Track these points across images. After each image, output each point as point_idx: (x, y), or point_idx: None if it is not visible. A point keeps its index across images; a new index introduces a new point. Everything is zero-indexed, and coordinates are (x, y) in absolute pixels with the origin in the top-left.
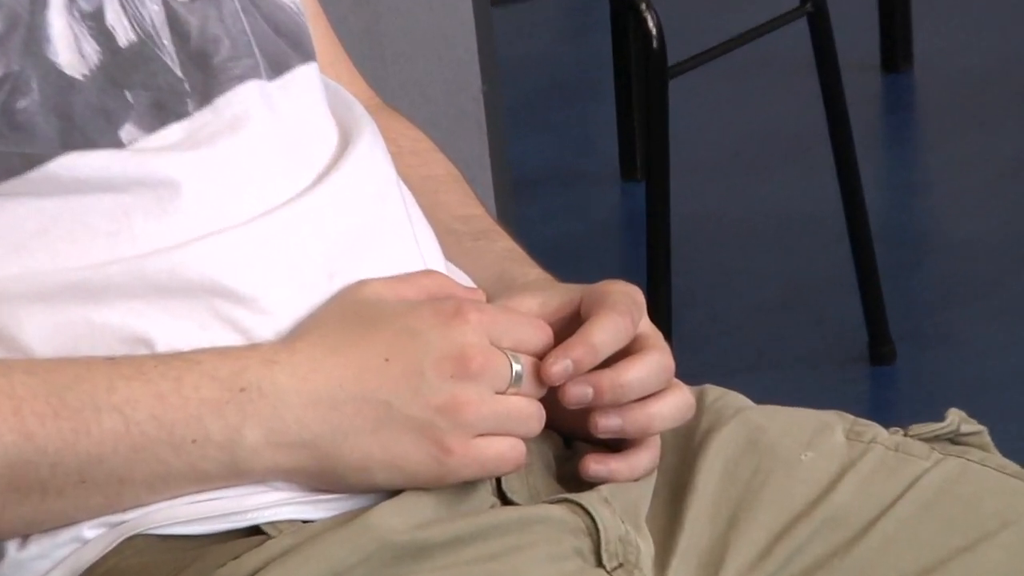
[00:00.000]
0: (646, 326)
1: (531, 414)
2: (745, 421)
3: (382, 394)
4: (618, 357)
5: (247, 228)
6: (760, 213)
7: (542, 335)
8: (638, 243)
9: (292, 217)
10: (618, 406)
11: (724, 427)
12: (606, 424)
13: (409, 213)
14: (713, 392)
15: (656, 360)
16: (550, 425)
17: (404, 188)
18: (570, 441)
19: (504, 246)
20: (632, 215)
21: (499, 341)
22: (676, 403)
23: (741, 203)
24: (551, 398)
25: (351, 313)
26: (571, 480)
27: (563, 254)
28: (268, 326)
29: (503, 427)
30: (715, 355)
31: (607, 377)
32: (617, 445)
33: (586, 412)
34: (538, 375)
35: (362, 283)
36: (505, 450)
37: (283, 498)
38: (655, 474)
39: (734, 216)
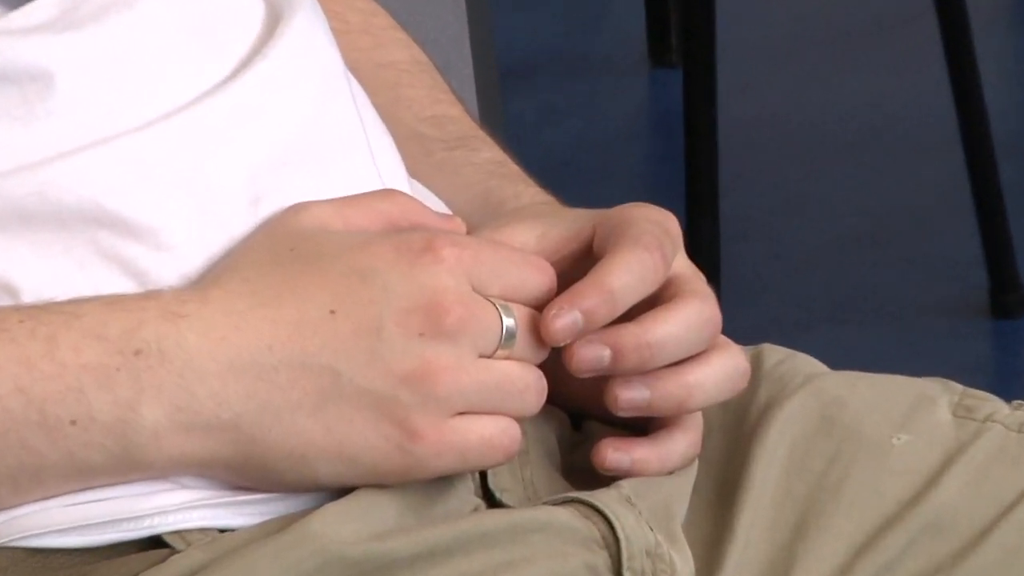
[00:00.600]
0: (683, 265)
1: (527, 385)
2: (817, 393)
3: (326, 358)
4: (645, 307)
5: (140, 136)
6: (836, 115)
7: (542, 277)
8: (672, 153)
9: (201, 121)
10: (645, 373)
11: (789, 401)
12: (629, 398)
13: (361, 115)
14: (774, 354)
15: (696, 310)
16: (553, 400)
17: (354, 81)
18: (580, 422)
19: (489, 157)
20: (664, 114)
21: (484, 286)
22: (723, 368)
23: (810, 101)
24: (555, 364)
25: (284, 249)
26: (581, 474)
27: (569, 167)
28: (171, 267)
29: (490, 402)
30: (776, 304)
31: (630, 334)
32: (644, 426)
33: (602, 382)
34: (537, 332)
35: (299, 208)
36: (493, 434)
37: (193, 499)
38: (695, 465)
39: (801, 119)
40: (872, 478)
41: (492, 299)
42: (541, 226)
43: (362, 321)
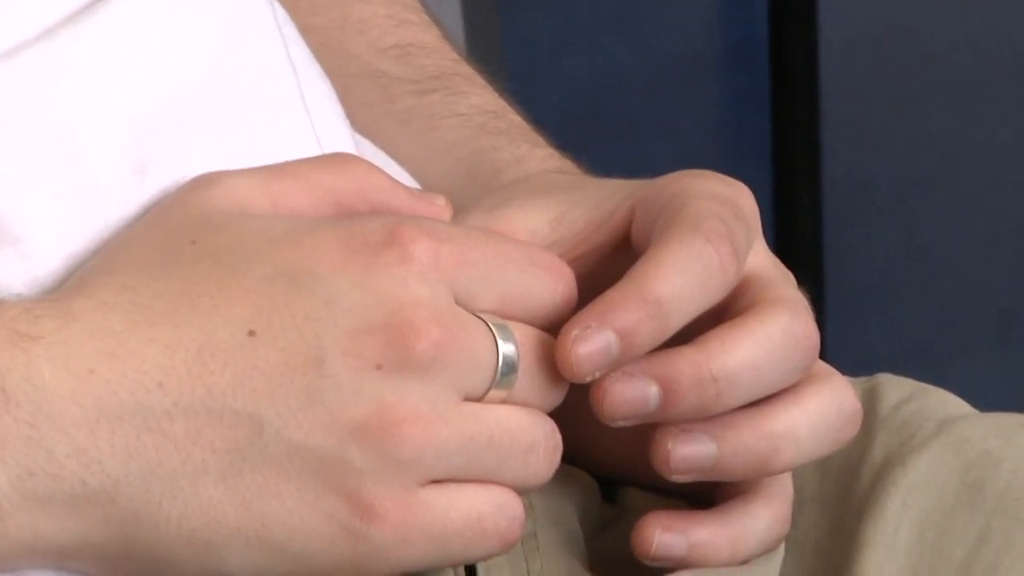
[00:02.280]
0: (763, 262)
1: (533, 441)
2: (958, 446)
3: (242, 401)
4: (708, 324)
5: None
6: (1001, 32)
7: (556, 284)
8: (752, 94)
9: (58, 63)
10: (710, 419)
11: (917, 458)
12: (688, 455)
13: (289, 52)
14: (895, 389)
15: (782, 326)
16: (574, 460)
17: (278, 6)
18: (615, 491)
19: (478, 104)
20: (742, 40)
21: (473, 298)
22: (823, 410)
23: (957, 11)
24: (577, 407)
25: (183, 241)
26: (615, 566)
27: (600, 115)
28: (21, 269)
29: (479, 466)
30: (902, 317)
31: (687, 363)
32: (707, 497)
33: (647, 433)
34: (549, 362)
35: (207, 182)
36: (483, 512)
37: None
38: (781, 552)
39: (944, 39)
40: None
41: (483, 316)
42: (556, 206)
43: (294, 347)
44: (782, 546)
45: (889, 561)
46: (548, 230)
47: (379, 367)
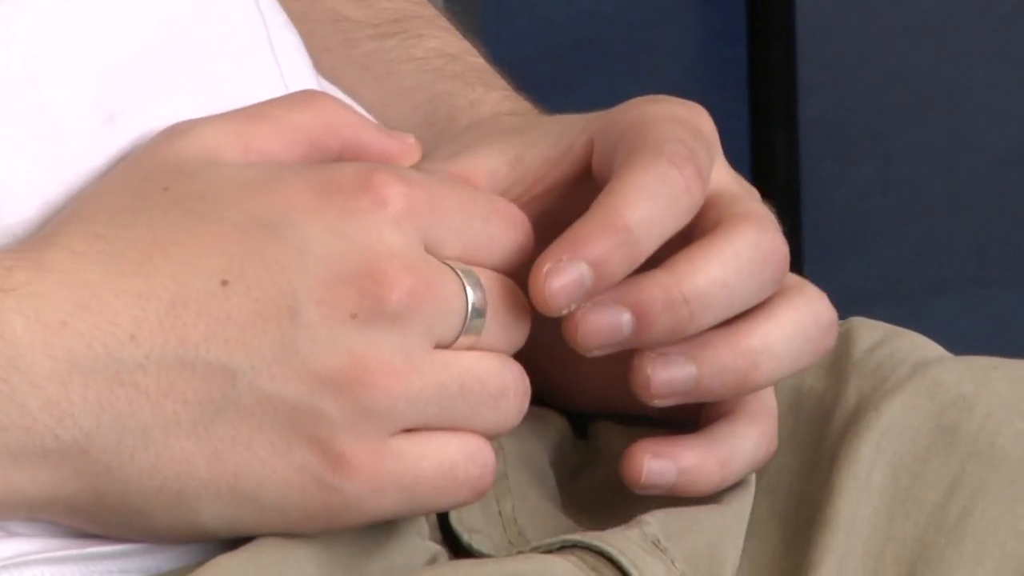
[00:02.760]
0: (725, 179)
1: (503, 385)
2: (932, 389)
3: (215, 351)
4: (675, 248)
5: None
6: None
7: (515, 233)
8: (727, 31)
9: (25, 12)
10: (686, 340)
11: (890, 401)
12: (667, 378)
13: (258, 1)
14: (868, 332)
15: (750, 240)
16: (544, 398)
17: None
18: (586, 426)
19: (436, 47)
20: None
21: (441, 245)
22: (798, 321)
23: None
24: (545, 342)
25: (156, 189)
26: (588, 505)
27: (572, 52)
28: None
29: (451, 414)
30: (879, 257)
31: (658, 286)
32: (683, 423)
33: (620, 363)
34: (511, 305)
35: (179, 130)
36: (455, 460)
37: (26, 551)
38: (751, 493)
39: None
40: (1010, 513)
41: (451, 263)
42: (513, 147)
43: (268, 297)
44: (753, 488)
45: (863, 504)
46: (508, 170)
47: (353, 316)
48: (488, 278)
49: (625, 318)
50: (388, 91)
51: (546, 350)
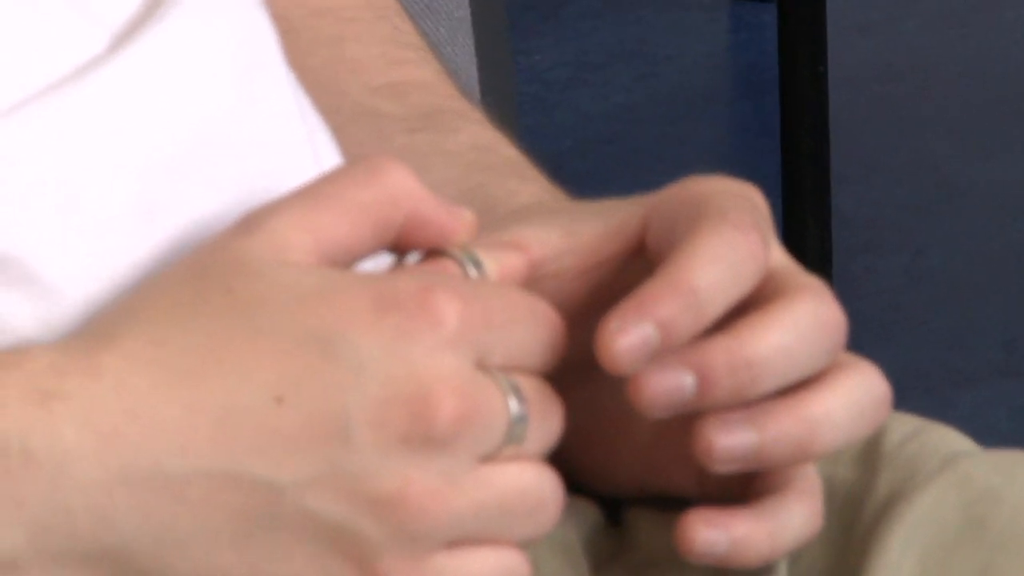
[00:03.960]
0: (779, 254)
1: (542, 499)
2: (962, 482)
3: (263, 468)
4: (735, 316)
5: None
6: (999, 62)
7: (552, 335)
8: (760, 121)
9: (69, 111)
10: (747, 407)
11: (920, 495)
12: (730, 445)
13: (296, 96)
14: (899, 425)
15: (810, 311)
16: (579, 482)
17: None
18: (619, 514)
19: (469, 141)
20: (749, 65)
21: (490, 355)
22: (856, 392)
23: (960, 43)
24: (588, 425)
25: (217, 291)
26: None
27: (611, 143)
28: (36, 309)
29: (489, 530)
30: (909, 347)
31: (721, 349)
32: (724, 497)
33: (662, 442)
34: (551, 408)
35: (248, 225)
36: (494, 573)
37: None
38: None
39: (949, 69)
40: None
41: (497, 376)
42: (566, 221)
43: (320, 416)
44: (783, 575)
45: None
46: (559, 241)
47: (403, 440)
48: (528, 384)
49: (688, 380)
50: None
51: (586, 433)
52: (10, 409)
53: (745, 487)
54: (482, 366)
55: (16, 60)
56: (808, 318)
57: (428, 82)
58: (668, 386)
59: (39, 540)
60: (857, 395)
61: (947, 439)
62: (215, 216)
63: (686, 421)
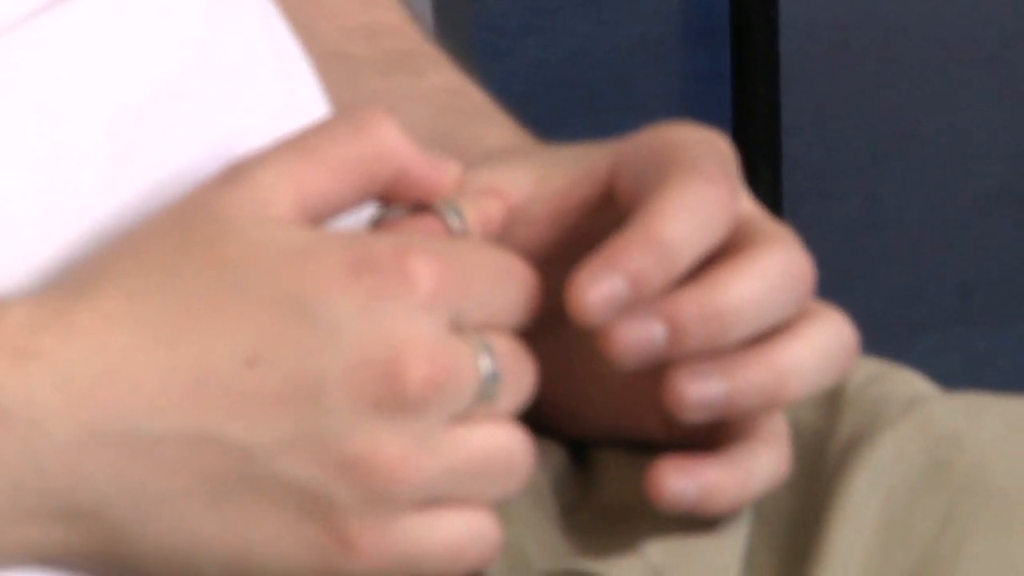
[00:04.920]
0: (746, 203)
1: (512, 460)
2: (925, 425)
3: (235, 430)
4: (704, 267)
5: None
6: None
7: (528, 294)
8: (713, 73)
9: (38, 47)
10: (717, 355)
11: (883, 438)
12: (701, 393)
13: (273, 42)
14: (861, 369)
15: (779, 260)
16: (548, 425)
17: None
18: (585, 453)
19: (439, 84)
20: (703, 18)
21: (465, 316)
22: (824, 340)
23: None
24: (559, 371)
25: (198, 246)
26: (587, 531)
27: (567, 92)
28: (6, 253)
29: (460, 491)
30: (866, 293)
31: (691, 300)
32: (688, 445)
33: (631, 388)
34: (524, 367)
35: (234, 177)
36: (464, 539)
37: None
38: (746, 526)
39: (906, 22)
40: (1000, 548)
41: (471, 339)
42: (538, 166)
43: (293, 379)
44: (747, 519)
45: (857, 538)
46: (533, 187)
47: (374, 404)
48: (501, 343)
49: (659, 330)
50: None
51: (557, 379)
52: None
53: (713, 433)
54: (456, 327)
55: None
56: (778, 267)
57: (398, 26)
58: (639, 337)
59: (14, 498)
60: (825, 343)
61: (909, 383)
62: (187, 160)
63: (655, 368)
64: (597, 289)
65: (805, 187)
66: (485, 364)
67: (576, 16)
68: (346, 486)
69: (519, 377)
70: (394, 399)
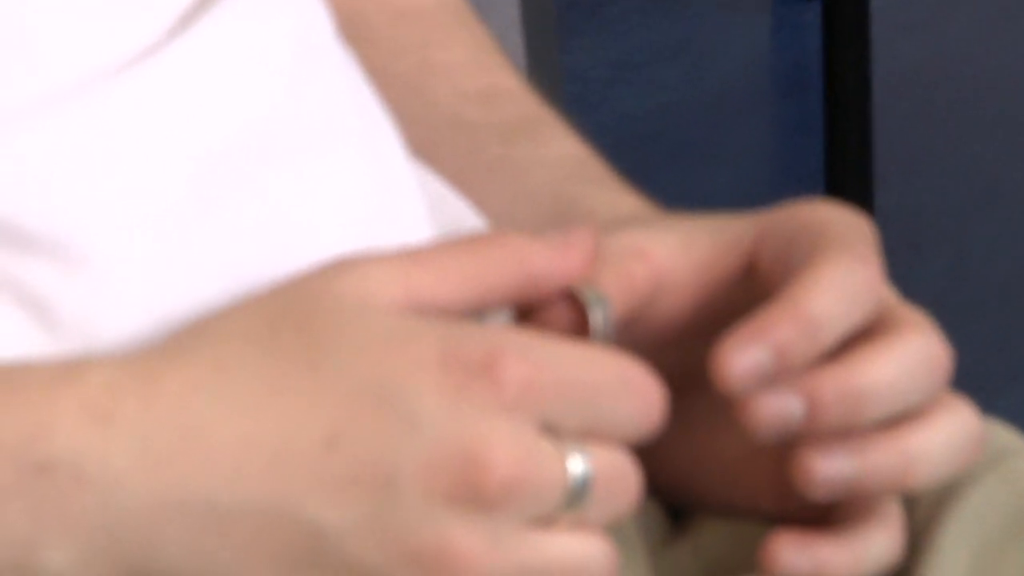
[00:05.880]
0: (885, 288)
1: (592, 571)
2: (1012, 477)
3: (311, 508)
4: (843, 347)
5: (38, 120)
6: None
7: (646, 409)
8: (804, 121)
9: (125, 98)
10: (849, 436)
11: (972, 490)
12: (829, 471)
13: (355, 93)
14: None
15: (918, 349)
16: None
17: (343, 50)
18: (682, 514)
19: (565, 153)
20: (792, 66)
21: (559, 422)
22: (953, 431)
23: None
24: (680, 439)
25: (290, 324)
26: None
27: (649, 143)
28: (84, 292)
29: None
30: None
31: (832, 378)
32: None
33: (755, 458)
34: (623, 484)
35: (345, 266)
36: None
37: None
38: None
39: (997, 73)
40: None
41: (562, 444)
42: (682, 232)
43: (369, 465)
44: None
45: None
46: (680, 251)
47: (449, 498)
48: (603, 455)
49: (797, 404)
50: (518, 195)
51: (675, 446)
52: (64, 427)
53: (826, 513)
54: (550, 432)
55: (76, 43)
56: (917, 354)
57: (516, 90)
58: (778, 410)
59: (86, 560)
60: (954, 433)
61: (997, 436)
62: (268, 213)
63: (775, 445)
64: (743, 358)
65: (896, 238)
66: (575, 469)
67: (665, 67)
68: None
69: (616, 490)
70: (470, 495)
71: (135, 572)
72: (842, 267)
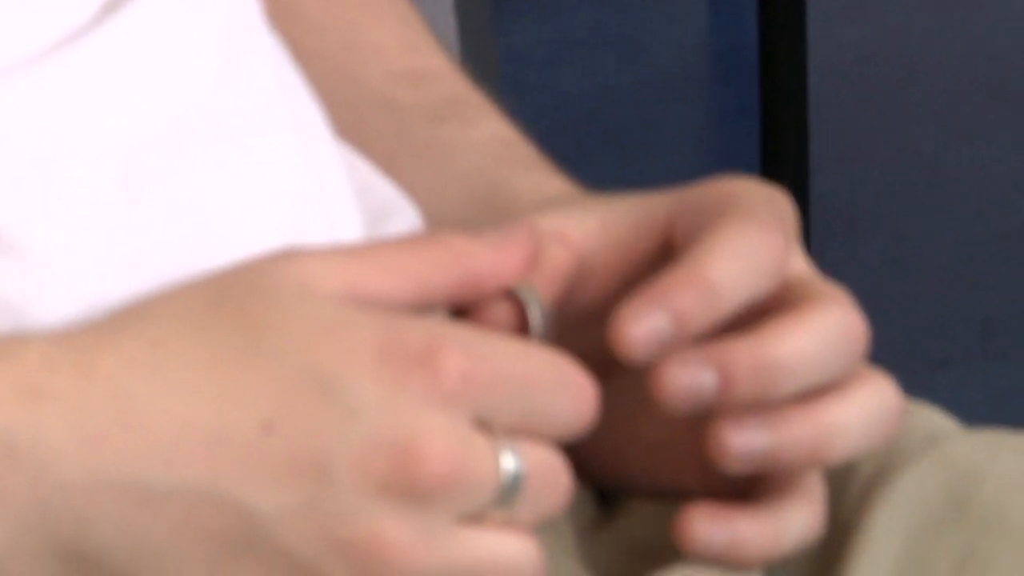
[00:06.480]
0: (803, 263)
1: (520, 571)
2: (945, 462)
3: (243, 492)
4: (756, 320)
5: None
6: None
7: (580, 406)
8: (741, 107)
9: (50, 84)
10: (762, 409)
11: (904, 474)
12: (744, 445)
13: (283, 78)
14: None
15: (835, 320)
16: (579, 473)
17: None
18: (611, 498)
19: (492, 135)
20: (729, 51)
21: (494, 416)
22: (871, 404)
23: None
24: (605, 421)
25: (232, 305)
26: (604, 564)
27: (585, 127)
28: (14, 275)
29: None
30: (890, 330)
31: (745, 350)
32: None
33: (676, 436)
34: (555, 481)
35: (285, 255)
36: None
37: None
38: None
39: (936, 57)
40: None
41: (497, 439)
42: (600, 213)
43: (305, 452)
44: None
45: (877, 573)
46: (598, 232)
47: (381, 489)
48: (534, 452)
49: (710, 377)
50: (446, 177)
51: (597, 428)
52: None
53: (749, 489)
54: (484, 427)
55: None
56: (833, 327)
57: (444, 71)
58: (690, 382)
59: (17, 535)
60: (872, 406)
61: (929, 419)
62: (198, 200)
63: (695, 422)
64: (640, 325)
65: (832, 223)
66: (508, 467)
67: (603, 50)
68: (343, 566)
69: (547, 489)
70: (402, 486)
71: (66, 550)
72: (742, 234)
